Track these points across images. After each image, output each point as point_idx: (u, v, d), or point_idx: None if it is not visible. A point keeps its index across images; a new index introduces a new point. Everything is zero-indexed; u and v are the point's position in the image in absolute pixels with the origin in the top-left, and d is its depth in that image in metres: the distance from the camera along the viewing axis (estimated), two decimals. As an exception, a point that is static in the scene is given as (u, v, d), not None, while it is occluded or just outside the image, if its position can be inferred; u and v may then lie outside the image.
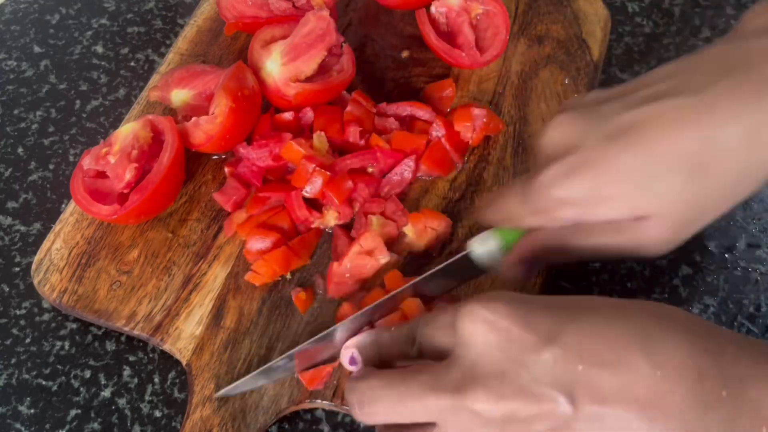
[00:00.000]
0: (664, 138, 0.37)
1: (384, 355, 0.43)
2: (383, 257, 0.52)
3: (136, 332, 0.51)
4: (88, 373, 0.52)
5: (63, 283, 0.53)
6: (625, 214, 0.39)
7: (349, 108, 0.58)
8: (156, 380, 0.51)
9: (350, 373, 0.44)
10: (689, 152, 0.37)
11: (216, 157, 0.59)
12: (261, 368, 0.47)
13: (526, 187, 0.42)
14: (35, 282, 0.54)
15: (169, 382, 0.51)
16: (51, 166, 0.61)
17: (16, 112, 0.65)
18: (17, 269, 0.56)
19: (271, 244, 0.53)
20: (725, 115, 0.37)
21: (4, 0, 0.72)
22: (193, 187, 0.58)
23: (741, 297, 0.53)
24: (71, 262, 0.54)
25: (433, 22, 0.64)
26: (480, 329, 0.36)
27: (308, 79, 0.59)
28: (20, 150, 0.62)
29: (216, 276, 0.53)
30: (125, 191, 0.54)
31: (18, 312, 0.54)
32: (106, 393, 0.51)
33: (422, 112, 0.59)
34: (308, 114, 0.59)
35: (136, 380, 0.51)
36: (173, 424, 0.50)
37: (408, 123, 0.60)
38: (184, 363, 0.50)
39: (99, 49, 0.69)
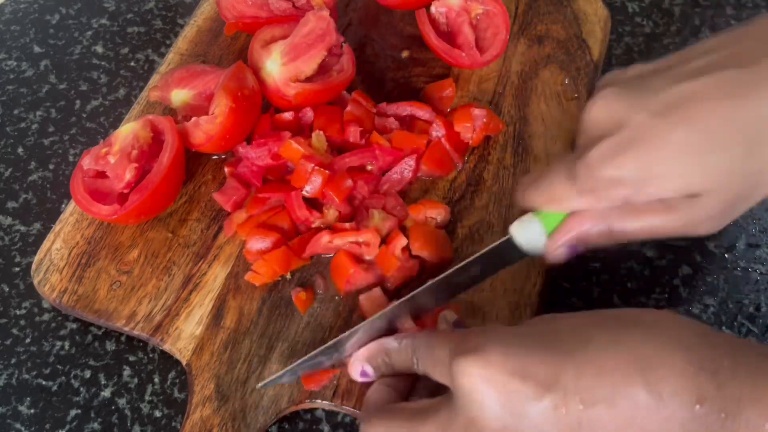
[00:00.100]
0: (718, 111, 0.36)
1: (392, 366, 0.43)
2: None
3: (136, 332, 0.51)
4: (88, 373, 0.52)
5: (63, 283, 0.53)
6: (677, 191, 0.38)
7: (349, 108, 0.58)
8: (156, 380, 0.51)
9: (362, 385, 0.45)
10: (744, 125, 0.36)
11: (216, 157, 0.59)
12: (319, 349, 0.47)
13: (573, 166, 0.40)
14: (35, 282, 0.54)
15: (169, 382, 0.51)
16: (51, 166, 0.61)
17: (16, 112, 0.65)
18: (17, 269, 0.56)
19: (271, 244, 0.53)
20: None
21: (4, 0, 0.72)
22: (193, 187, 0.58)
23: (741, 297, 0.53)
24: (71, 262, 0.54)
25: (433, 22, 0.64)
26: (477, 386, 0.35)
27: (308, 79, 0.59)
28: (20, 150, 0.62)
29: (216, 276, 0.53)
30: (125, 191, 0.54)
31: (18, 312, 0.54)
32: (106, 393, 0.51)
33: (422, 112, 0.59)
34: (308, 114, 0.59)
35: (136, 380, 0.51)
36: (173, 424, 0.50)
37: (408, 123, 0.60)
38: (184, 363, 0.50)
39: (99, 49, 0.69)
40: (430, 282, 0.47)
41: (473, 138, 0.59)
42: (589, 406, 0.33)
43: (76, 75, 0.67)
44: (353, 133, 0.57)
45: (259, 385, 0.48)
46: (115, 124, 0.63)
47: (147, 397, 0.51)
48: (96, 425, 0.50)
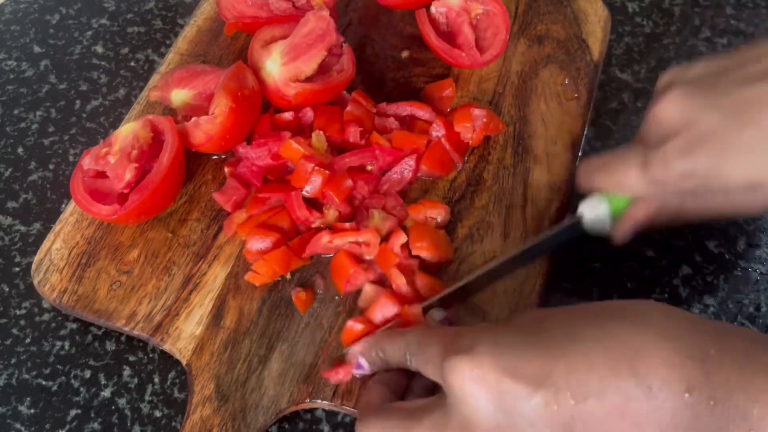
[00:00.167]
0: None
1: (386, 361, 0.44)
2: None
3: (136, 332, 0.51)
4: (88, 373, 0.52)
5: (63, 283, 0.53)
6: (741, 184, 0.42)
7: (349, 108, 0.58)
8: (156, 380, 0.51)
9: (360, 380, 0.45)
10: None
11: (216, 157, 0.59)
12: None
13: (648, 157, 0.44)
14: (35, 282, 0.54)
15: (169, 382, 0.51)
16: (51, 166, 0.61)
17: (16, 112, 0.65)
18: (17, 269, 0.56)
19: (271, 244, 0.53)
20: None
21: (4, 0, 0.72)
22: (193, 187, 0.58)
23: (741, 297, 0.53)
24: (71, 262, 0.54)
25: (433, 22, 0.64)
26: (468, 387, 0.36)
27: (308, 79, 0.59)
28: (20, 150, 0.63)
29: (216, 276, 0.53)
30: (125, 191, 0.54)
31: (18, 312, 0.54)
32: (106, 393, 0.51)
33: (422, 112, 0.59)
34: (308, 114, 0.59)
35: (136, 380, 0.51)
36: (173, 424, 0.50)
37: (408, 123, 0.60)
38: (184, 363, 0.50)
39: (99, 49, 0.69)
40: (501, 258, 0.50)
41: (473, 138, 0.59)
42: (580, 401, 0.34)
43: (76, 75, 0.67)
44: (353, 133, 0.57)
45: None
46: (115, 124, 0.63)
47: (147, 397, 0.51)
48: (96, 425, 0.50)
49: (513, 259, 0.51)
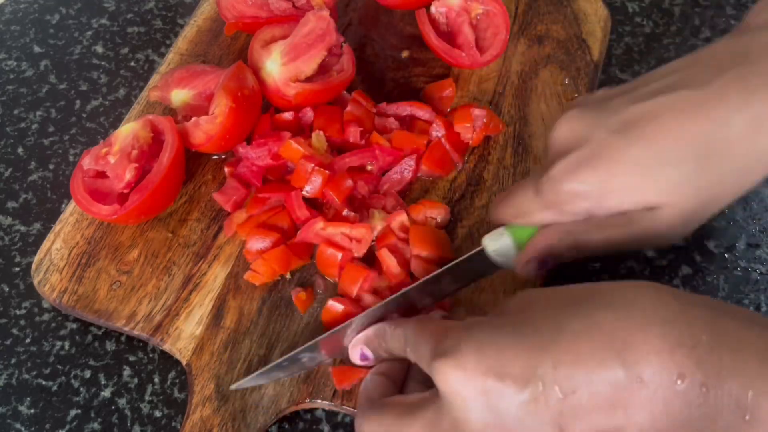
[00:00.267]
0: (673, 128, 0.38)
1: (389, 351, 0.44)
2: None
3: (136, 332, 0.51)
4: (88, 373, 0.52)
5: (63, 283, 0.53)
6: (635, 204, 0.40)
7: (349, 108, 0.58)
8: (156, 380, 0.51)
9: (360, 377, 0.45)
10: (698, 142, 0.38)
11: (216, 157, 0.59)
12: (284, 358, 0.47)
13: (537, 182, 0.42)
14: (35, 282, 0.54)
15: (169, 382, 0.51)
16: (51, 166, 0.61)
17: (16, 112, 0.65)
18: (17, 269, 0.56)
19: (270, 244, 0.53)
20: (732, 106, 0.38)
21: (4, 0, 0.72)
22: (193, 187, 0.58)
23: (741, 297, 0.53)
24: (71, 262, 0.54)
25: (433, 22, 0.64)
26: (455, 389, 0.36)
27: (308, 79, 0.59)
28: (20, 150, 0.63)
29: (216, 276, 0.53)
30: (125, 191, 0.54)
31: (18, 312, 0.54)
32: (106, 393, 0.51)
33: (422, 112, 0.59)
34: (308, 114, 0.59)
35: (136, 380, 0.51)
36: (173, 424, 0.50)
37: (408, 123, 0.60)
38: (184, 363, 0.50)
39: (99, 49, 0.69)
40: (405, 289, 0.48)
41: (473, 138, 0.59)
42: (568, 395, 0.33)
43: (76, 75, 0.67)
44: (353, 133, 0.57)
45: (233, 386, 0.48)
46: (115, 124, 0.63)
47: (147, 397, 0.51)
48: (96, 425, 0.50)
49: (422, 285, 0.48)
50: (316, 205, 0.55)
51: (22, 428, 0.50)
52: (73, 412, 0.50)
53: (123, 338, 0.53)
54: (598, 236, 0.42)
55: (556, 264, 0.45)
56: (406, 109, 0.60)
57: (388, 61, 0.65)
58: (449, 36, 0.64)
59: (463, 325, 0.39)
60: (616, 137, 0.39)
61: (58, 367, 0.52)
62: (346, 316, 0.49)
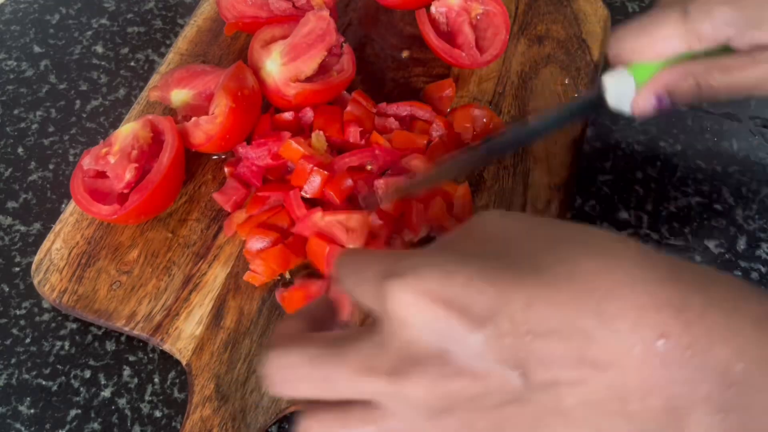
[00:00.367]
0: None
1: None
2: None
3: (136, 332, 0.51)
4: (88, 373, 0.52)
5: (63, 283, 0.53)
6: None
7: (349, 108, 0.58)
8: (156, 380, 0.51)
9: None
10: None
11: (216, 157, 0.59)
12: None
13: (685, 9, 0.44)
14: (35, 282, 0.54)
15: (169, 382, 0.51)
16: (51, 166, 0.61)
17: (16, 112, 0.65)
18: (17, 269, 0.56)
19: (270, 243, 0.53)
20: None
21: (4, 0, 0.72)
22: (193, 187, 0.58)
23: (741, 297, 0.53)
24: (71, 262, 0.54)
25: (433, 22, 0.64)
26: (409, 315, 0.31)
27: (308, 79, 0.59)
28: (20, 150, 0.63)
29: (216, 276, 0.53)
30: (125, 191, 0.54)
31: (18, 312, 0.54)
32: (106, 393, 0.51)
33: (422, 112, 0.59)
34: (308, 114, 0.59)
35: (136, 380, 0.51)
36: (173, 424, 0.50)
37: (408, 123, 0.60)
38: (184, 363, 0.50)
39: (99, 49, 0.69)
40: (514, 126, 0.49)
41: (473, 138, 0.59)
42: (537, 337, 0.30)
43: (76, 75, 0.67)
44: (353, 133, 0.57)
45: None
46: (115, 124, 0.63)
47: (147, 397, 0.51)
48: (96, 425, 0.50)
49: (530, 126, 0.48)
50: (316, 205, 0.55)
51: (22, 428, 0.50)
52: (73, 412, 0.50)
53: (123, 338, 0.53)
54: (721, 78, 0.44)
55: (672, 108, 0.46)
56: (406, 109, 0.60)
57: (388, 61, 0.65)
58: (449, 36, 0.64)
59: (425, 249, 0.35)
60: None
61: (58, 367, 0.52)
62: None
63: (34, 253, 0.55)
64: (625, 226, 0.57)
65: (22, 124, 0.64)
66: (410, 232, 0.53)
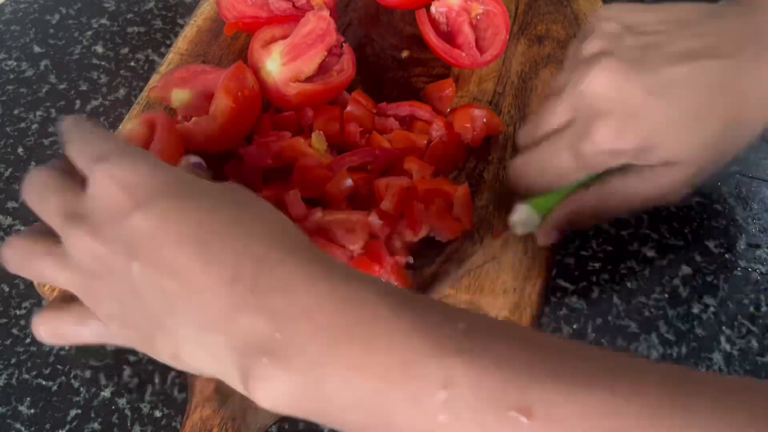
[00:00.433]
0: (704, 96, 0.44)
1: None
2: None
3: (136, 332, 0.51)
4: (88, 373, 0.52)
5: (63, 283, 0.53)
6: (663, 160, 0.45)
7: (349, 108, 0.58)
8: (156, 380, 0.51)
9: None
10: (725, 111, 0.44)
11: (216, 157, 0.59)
12: None
13: (577, 147, 0.46)
14: (35, 282, 0.54)
15: (169, 382, 0.51)
16: (51, 166, 0.61)
17: (16, 112, 0.65)
18: (17, 269, 0.56)
19: (271, 244, 0.53)
20: (752, 81, 0.44)
21: (4, 0, 0.72)
22: (193, 187, 0.58)
23: (741, 297, 0.53)
24: (71, 262, 0.54)
25: (433, 22, 0.64)
26: (106, 185, 0.36)
27: (308, 79, 0.59)
28: (20, 150, 0.63)
29: (216, 276, 0.53)
30: (125, 191, 0.53)
31: (18, 312, 0.54)
32: (106, 393, 0.51)
33: (422, 112, 0.59)
34: (308, 114, 0.59)
35: (136, 380, 0.51)
36: (173, 424, 0.50)
37: (408, 123, 0.60)
38: (184, 363, 0.50)
39: (99, 49, 0.69)
40: None
41: (473, 138, 0.59)
42: (144, 263, 0.34)
43: (76, 75, 0.67)
44: (353, 133, 0.57)
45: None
46: (115, 124, 0.63)
47: (147, 397, 0.51)
48: (96, 425, 0.50)
49: None
50: (316, 205, 0.55)
51: (22, 428, 0.50)
52: (73, 412, 0.50)
53: (123, 338, 0.53)
54: (618, 203, 0.48)
55: (570, 230, 0.52)
56: (406, 109, 0.60)
57: (388, 61, 0.65)
58: (449, 36, 0.64)
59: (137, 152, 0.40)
60: (654, 99, 0.44)
61: (58, 367, 0.52)
62: None
63: (34, 253, 0.55)
64: (625, 225, 0.57)
65: (22, 124, 0.64)
66: (410, 232, 0.53)
